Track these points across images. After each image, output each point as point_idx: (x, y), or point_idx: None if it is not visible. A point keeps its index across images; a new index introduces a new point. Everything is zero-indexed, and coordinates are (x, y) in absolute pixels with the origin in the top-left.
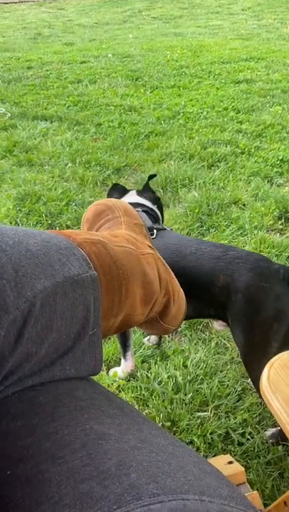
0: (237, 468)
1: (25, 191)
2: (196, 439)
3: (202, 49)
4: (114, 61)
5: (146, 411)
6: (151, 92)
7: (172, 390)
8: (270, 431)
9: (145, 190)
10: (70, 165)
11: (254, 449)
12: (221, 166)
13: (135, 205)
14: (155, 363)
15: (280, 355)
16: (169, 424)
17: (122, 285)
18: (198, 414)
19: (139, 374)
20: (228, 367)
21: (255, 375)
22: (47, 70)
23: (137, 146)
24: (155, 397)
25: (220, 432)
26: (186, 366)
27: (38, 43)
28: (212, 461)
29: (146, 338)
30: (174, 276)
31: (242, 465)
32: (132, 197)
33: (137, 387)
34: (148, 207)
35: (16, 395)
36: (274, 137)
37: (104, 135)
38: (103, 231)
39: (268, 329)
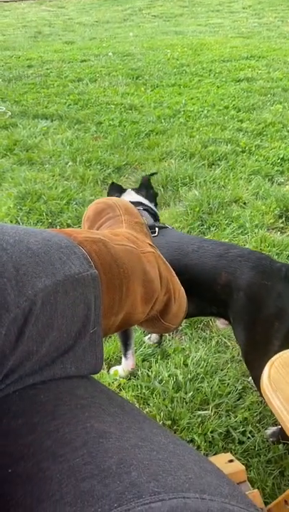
0: (237, 466)
1: (26, 190)
2: (196, 438)
3: (203, 47)
4: (114, 60)
5: (147, 409)
6: (151, 91)
7: (173, 388)
8: (271, 429)
9: (142, 188)
10: (70, 164)
11: (255, 447)
12: (222, 165)
13: (135, 203)
14: (156, 362)
15: (280, 353)
16: (169, 422)
17: (122, 283)
18: (199, 412)
19: (139, 372)
20: (229, 365)
21: (256, 373)
22: (47, 69)
23: (137, 144)
24: (156, 395)
25: (220, 431)
26: (186, 365)
27: (39, 41)
28: (213, 459)
29: (146, 337)
30: (175, 275)
31: (242, 463)
32: (131, 196)
33: (137, 386)
34: (147, 205)
35: (17, 393)
36: (275, 136)
37: (104, 134)
38: (104, 230)
39: (269, 327)
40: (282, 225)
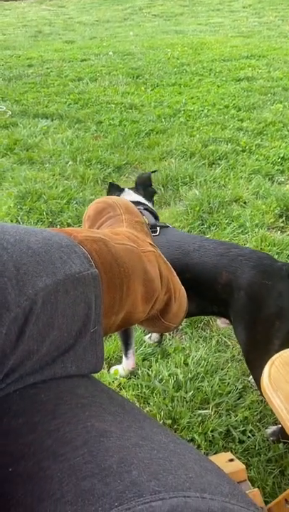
0: (238, 465)
1: (26, 189)
2: (196, 437)
3: (203, 47)
4: (114, 59)
5: (147, 409)
6: (151, 90)
7: (173, 387)
8: (271, 428)
9: (139, 187)
10: (70, 163)
11: (255, 446)
12: (222, 164)
13: (135, 203)
14: (156, 361)
15: (281, 352)
16: (169, 421)
17: (123, 283)
18: (199, 412)
19: (140, 372)
20: (229, 365)
21: (256, 372)
22: (47, 68)
23: (137, 144)
24: (156, 395)
25: (221, 430)
26: (186, 364)
27: (39, 40)
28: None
29: (147, 336)
30: (176, 274)
31: (243, 463)
32: (130, 195)
33: (137, 385)
34: (147, 204)
35: (18, 392)
36: (275, 135)
37: (104, 133)
38: (104, 229)
39: (269, 327)
40: (282, 225)
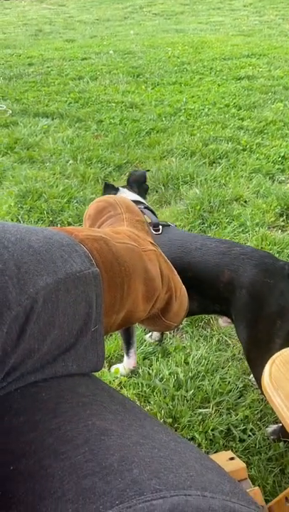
0: (238, 464)
1: (27, 188)
2: (197, 436)
3: (203, 45)
4: (115, 58)
5: (148, 407)
6: (152, 89)
7: (174, 386)
8: (272, 427)
9: (133, 185)
10: (71, 162)
11: (255, 445)
12: (223, 163)
13: (135, 202)
14: (157, 360)
15: (282, 351)
16: (170, 420)
17: (124, 282)
18: (200, 410)
19: (140, 371)
20: (230, 364)
21: (257, 371)
22: (48, 67)
23: (138, 143)
24: (157, 393)
25: (221, 429)
26: (187, 363)
27: (39, 39)
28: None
29: (148, 335)
30: (176, 273)
31: (243, 461)
32: (126, 194)
33: (138, 384)
34: (146, 203)
35: (19, 391)
36: (276, 134)
37: (105, 132)
38: (105, 228)
39: (271, 326)
40: (283, 224)
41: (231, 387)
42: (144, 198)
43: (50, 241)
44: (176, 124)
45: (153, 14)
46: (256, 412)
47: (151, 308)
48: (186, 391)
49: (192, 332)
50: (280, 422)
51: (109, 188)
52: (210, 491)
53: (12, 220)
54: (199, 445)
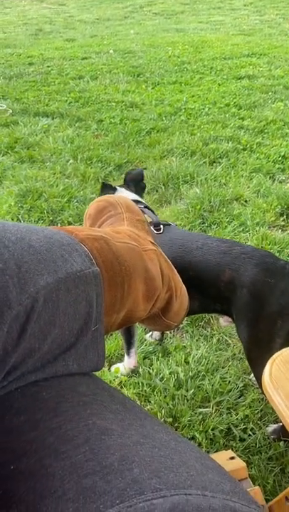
0: (239, 463)
1: (27, 188)
2: (197, 435)
3: (204, 45)
4: (115, 57)
5: (148, 407)
6: (152, 88)
7: (174, 386)
8: (272, 427)
9: (130, 184)
10: (71, 161)
11: (256, 444)
12: (223, 163)
13: (135, 202)
14: (157, 359)
15: (282, 350)
16: (170, 420)
17: (124, 281)
18: (200, 410)
19: (141, 370)
20: (230, 363)
21: (258, 370)
22: (48, 66)
23: (138, 142)
24: (157, 393)
25: (221, 428)
26: (187, 362)
27: (39, 39)
28: (214, 456)
29: (148, 334)
30: (177, 273)
31: (243, 461)
32: (124, 194)
33: (138, 383)
34: (145, 203)
35: (20, 390)
36: (276, 133)
37: (105, 131)
38: (105, 227)
39: (272, 325)
40: (283, 223)
41: (231, 387)
42: (142, 196)
43: (51, 240)
44: (176, 124)
45: (153, 14)
46: (256, 411)
47: (151, 307)
48: (187, 390)
49: (192, 331)
50: (281, 422)
51: (107, 188)
52: (210, 490)
53: (12, 219)
54: (199, 444)
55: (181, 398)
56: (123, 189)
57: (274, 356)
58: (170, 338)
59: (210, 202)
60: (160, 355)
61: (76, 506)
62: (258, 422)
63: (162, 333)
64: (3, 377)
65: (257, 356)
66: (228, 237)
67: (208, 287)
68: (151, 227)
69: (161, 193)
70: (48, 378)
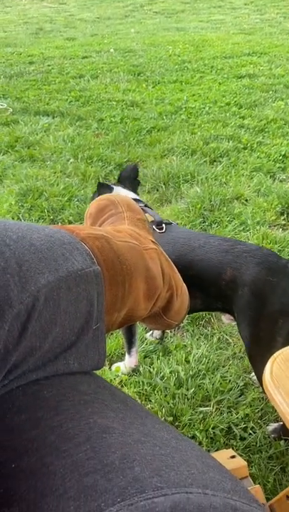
0: (239, 462)
1: (28, 187)
2: (198, 434)
3: (204, 44)
4: (116, 56)
5: (149, 406)
6: (153, 87)
7: (174, 385)
8: (272, 426)
9: (126, 183)
10: (72, 160)
11: (256, 443)
12: (223, 162)
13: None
14: (157, 358)
15: (283, 349)
16: (171, 419)
17: (125, 280)
18: (201, 409)
19: (141, 369)
20: (230, 362)
21: (258, 369)
22: (49, 65)
23: (139, 141)
24: (157, 392)
25: (222, 427)
26: (188, 361)
27: (40, 38)
28: (215, 455)
29: (149, 333)
30: (177, 271)
31: (244, 459)
32: (122, 193)
33: (139, 382)
34: (145, 202)
35: (21, 388)
36: (276, 132)
37: (106, 130)
38: (106, 226)
39: (273, 324)
40: (283, 222)
41: (232, 386)
42: (136, 193)
43: (52, 239)
44: (176, 123)
45: (154, 12)
46: (257, 410)
47: (152, 306)
48: (187, 389)
49: (193, 331)
50: (281, 421)
51: (104, 188)
52: (211, 488)
53: (13, 218)
54: (200, 443)
55: (181, 397)
56: (120, 188)
57: (275, 355)
58: (171, 337)
59: (210, 201)
60: (161, 354)
61: (77, 504)
62: (259, 420)
63: (163, 332)
64: (4, 376)
65: (258, 355)
66: (228, 236)
67: (210, 286)
68: (154, 226)
69: (161, 192)
70: (49, 377)
